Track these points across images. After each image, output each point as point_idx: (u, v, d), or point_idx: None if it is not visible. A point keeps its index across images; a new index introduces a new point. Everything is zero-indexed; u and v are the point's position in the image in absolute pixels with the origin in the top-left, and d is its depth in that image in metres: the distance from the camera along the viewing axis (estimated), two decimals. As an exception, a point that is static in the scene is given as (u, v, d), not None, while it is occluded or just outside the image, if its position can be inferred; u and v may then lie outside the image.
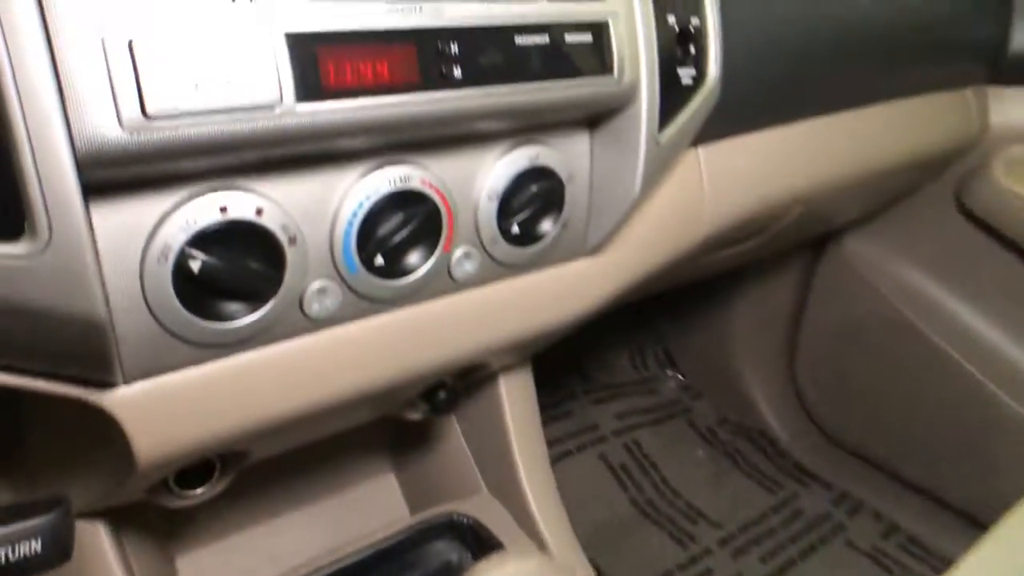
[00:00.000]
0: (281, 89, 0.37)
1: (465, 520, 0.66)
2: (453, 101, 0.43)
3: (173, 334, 0.41)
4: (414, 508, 0.74)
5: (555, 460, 1.19)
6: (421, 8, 0.42)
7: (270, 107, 0.37)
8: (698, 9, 0.59)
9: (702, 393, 1.38)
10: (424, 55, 0.42)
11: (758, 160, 0.70)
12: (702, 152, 0.67)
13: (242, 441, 0.49)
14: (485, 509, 0.68)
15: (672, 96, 0.56)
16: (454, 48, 0.43)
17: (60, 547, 0.37)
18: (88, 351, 0.38)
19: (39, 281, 0.34)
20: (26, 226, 0.33)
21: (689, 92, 0.58)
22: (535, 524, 0.70)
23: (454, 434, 0.73)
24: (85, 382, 0.41)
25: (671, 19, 0.56)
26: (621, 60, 0.50)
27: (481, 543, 0.66)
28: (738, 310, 1.33)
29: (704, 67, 0.59)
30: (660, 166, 0.57)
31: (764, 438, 1.32)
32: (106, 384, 0.41)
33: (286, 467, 0.68)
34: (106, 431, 0.43)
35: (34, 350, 0.37)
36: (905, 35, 0.79)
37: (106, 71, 0.33)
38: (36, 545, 0.36)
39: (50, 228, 0.33)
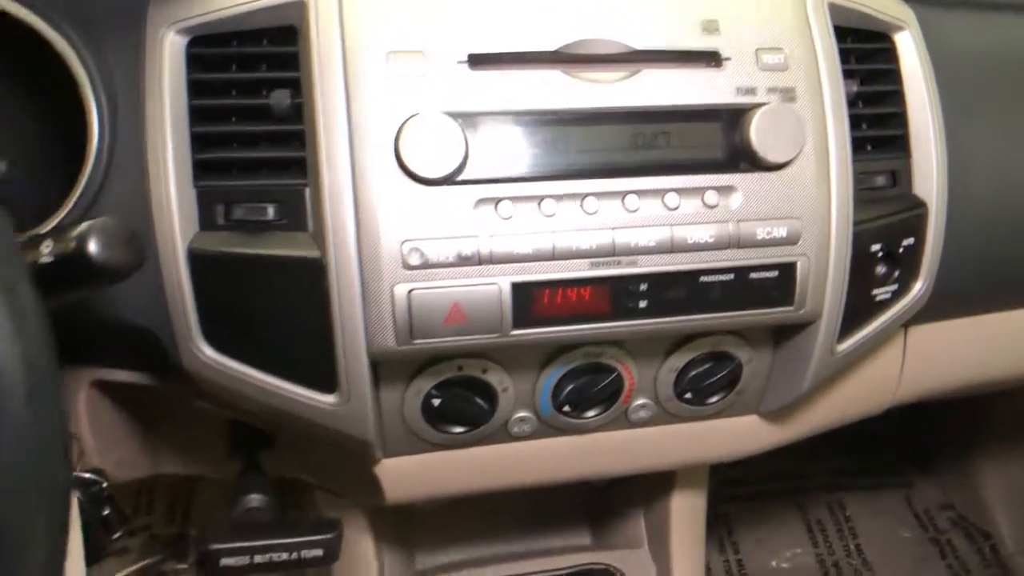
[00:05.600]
0: (503, 322, 0.53)
1: (618, 573, 0.83)
2: (638, 327, 0.56)
3: (417, 436, 0.62)
4: (596, 548, 0.92)
5: (751, 498, 1.28)
6: (619, 261, 0.54)
7: (494, 334, 0.53)
8: (918, 230, 0.62)
9: (931, 471, 1.34)
10: (616, 293, 0.55)
11: (965, 344, 0.71)
12: (909, 331, 0.71)
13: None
14: (638, 564, 0.84)
15: (861, 312, 0.62)
16: (643, 287, 0.55)
17: (332, 555, 0.61)
18: (359, 448, 0.59)
19: (340, 417, 0.55)
20: (337, 387, 0.54)
21: (884, 306, 0.63)
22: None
23: (633, 496, 0.89)
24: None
25: (875, 247, 0.60)
26: (803, 294, 0.57)
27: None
28: (996, 403, 1.25)
29: (909, 284, 0.63)
30: (835, 370, 0.64)
31: (986, 540, 1.26)
32: (373, 458, 0.63)
33: (508, 497, 0.88)
34: (371, 478, 0.65)
35: (338, 444, 0.59)
36: None
37: (392, 315, 0.51)
38: (318, 552, 0.60)
39: (349, 392, 0.54)
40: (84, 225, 0.41)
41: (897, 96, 0.64)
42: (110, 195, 0.53)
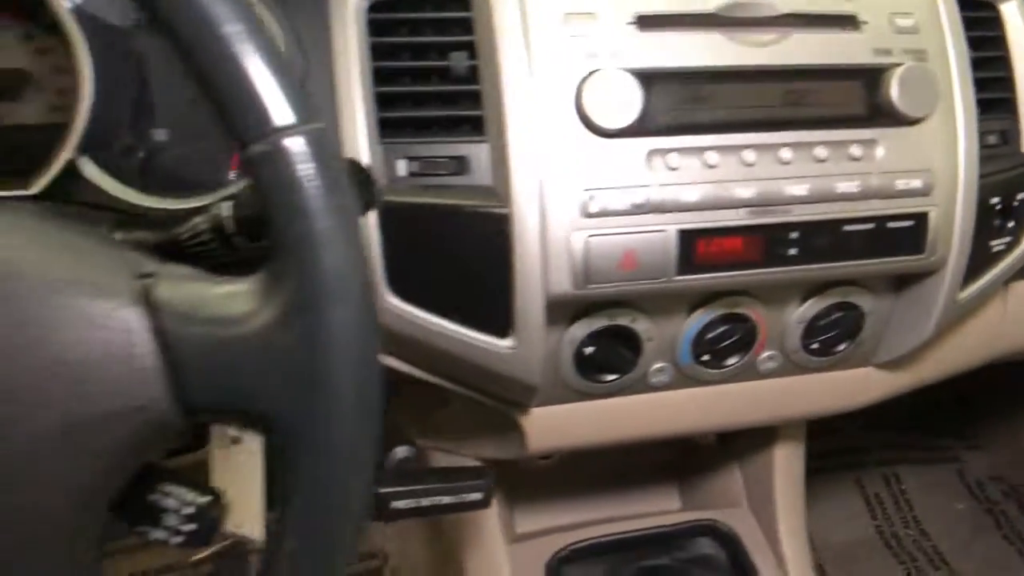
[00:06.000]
0: (669, 268, 0.57)
1: (725, 528, 0.86)
2: (786, 274, 0.60)
3: (566, 385, 0.65)
4: (688, 509, 0.96)
5: (810, 474, 1.31)
6: (774, 211, 0.58)
7: (660, 279, 0.57)
8: (1028, 184, 0.67)
9: (980, 446, 1.39)
10: (769, 241, 0.58)
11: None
12: (1010, 287, 0.75)
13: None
14: (741, 521, 0.87)
15: (980, 261, 0.66)
16: (794, 235, 0.59)
17: (487, 500, 0.64)
18: (521, 394, 0.63)
19: (513, 361, 0.58)
20: (512, 331, 0.57)
21: (999, 257, 0.67)
22: (779, 543, 0.88)
23: (730, 456, 0.92)
24: (509, 403, 0.66)
25: (994, 200, 0.64)
26: (934, 242, 0.61)
27: (734, 547, 0.86)
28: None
29: (1021, 237, 0.67)
30: (956, 317, 0.68)
31: (1038, 510, 1.31)
32: (522, 406, 0.66)
33: (602, 457, 0.92)
34: (516, 429, 0.68)
35: (494, 390, 0.63)
36: None
37: (570, 263, 0.55)
38: (477, 496, 0.63)
39: (523, 337, 0.57)
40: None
41: (1004, 62, 0.68)
42: (304, 151, 0.56)
